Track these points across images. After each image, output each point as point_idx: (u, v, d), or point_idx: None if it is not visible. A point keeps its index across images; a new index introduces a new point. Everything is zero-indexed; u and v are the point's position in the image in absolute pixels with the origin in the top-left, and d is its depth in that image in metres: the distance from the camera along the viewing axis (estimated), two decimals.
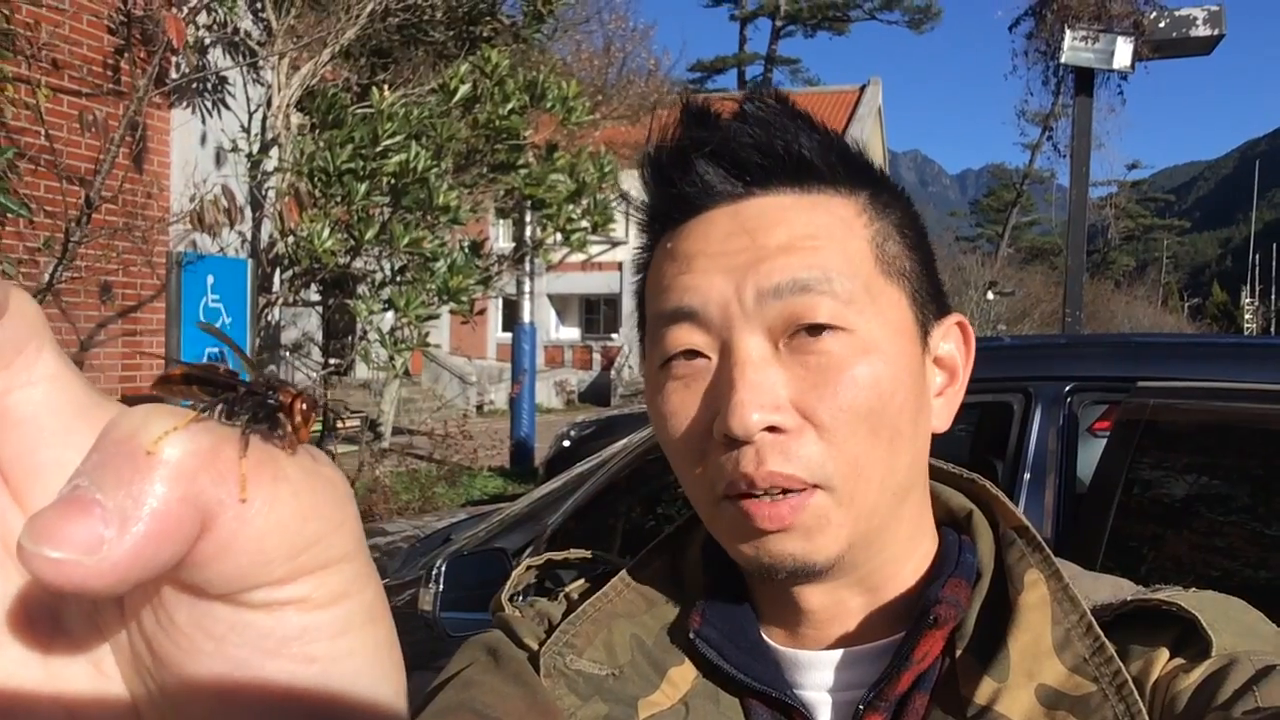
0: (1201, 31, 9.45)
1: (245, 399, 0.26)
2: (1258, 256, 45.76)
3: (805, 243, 0.61)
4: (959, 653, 0.61)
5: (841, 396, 0.59)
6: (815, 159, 0.63)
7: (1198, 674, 0.56)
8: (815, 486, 0.59)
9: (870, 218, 0.64)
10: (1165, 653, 0.58)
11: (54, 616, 0.25)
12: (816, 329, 0.59)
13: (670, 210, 0.66)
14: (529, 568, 0.78)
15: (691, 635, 0.65)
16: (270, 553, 0.23)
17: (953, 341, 0.68)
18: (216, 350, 4.47)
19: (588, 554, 0.79)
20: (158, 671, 0.24)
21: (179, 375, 0.27)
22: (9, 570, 0.25)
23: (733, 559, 0.65)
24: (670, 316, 0.63)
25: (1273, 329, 41.10)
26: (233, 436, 0.23)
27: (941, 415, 0.67)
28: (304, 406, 0.26)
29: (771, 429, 0.59)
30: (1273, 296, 45.29)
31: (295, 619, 0.23)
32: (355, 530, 0.25)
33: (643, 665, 0.65)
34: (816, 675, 0.65)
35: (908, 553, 0.66)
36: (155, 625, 0.24)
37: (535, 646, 0.68)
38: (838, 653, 0.65)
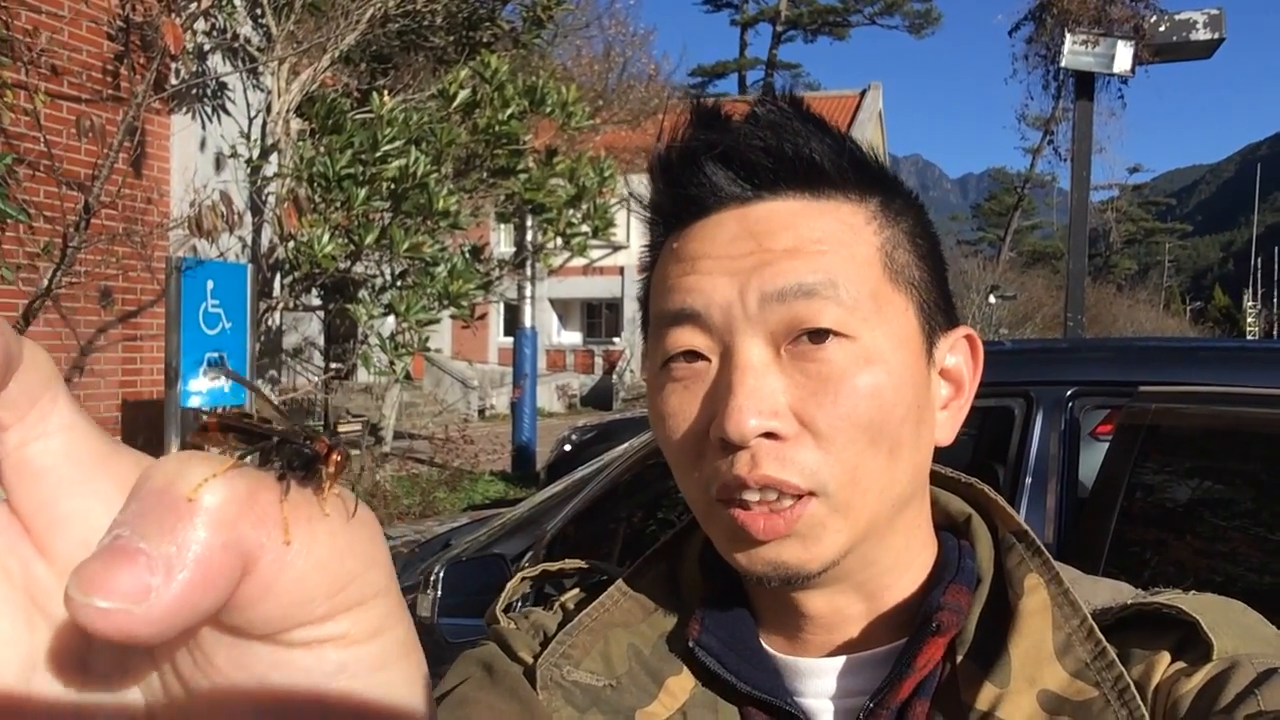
0: (1202, 35, 9.46)
1: (281, 447, 0.26)
2: (1259, 260, 45.82)
3: (811, 247, 0.60)
4: (959, 659, 0.60)
5: (841, 405, 0.58)
6: (825, 164, 0.62)
7: (1199, 677, 0.55)
8: (810, 494, 0.59)
9: (880, 225, 0.63)
10: (1166, 656, 0.58)
11: (82, 663, 0.25)
12: (819, 335, 0.59)
13: (677, 210, 0.65)
14: (523, 579, 0.77)
15: (691, 644, 0.64)
16: (311, 592, 0.23)
17: (960, 354, 0.67)
18: (216, 355, 4.47)
19: (583, 564, 0.78)
20: (192, 713, 0.24)
21: (215, 425, 0.28)
22: (36, 622, 0.25)
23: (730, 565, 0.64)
24: (673, 317, 0.62)
25: (1275, 333, 41.08)
26: (269, 481, 0.24)
27: (945, 428, 0.66)
28: (338, 458, 0.26)
29: (768, 435, 0.58)
30: (1275, 300, 45.25)
31: (334, 655, 0.24)
32: (388, 567, 0.26)
33: (640, 675, 0.65)
34: (817, 683, 0.64)
35: (906, 561, 0.65)
36: (192, 667, 0.24)
37: (530, 660, 0.67)
38: (838, 660, 0.64)
